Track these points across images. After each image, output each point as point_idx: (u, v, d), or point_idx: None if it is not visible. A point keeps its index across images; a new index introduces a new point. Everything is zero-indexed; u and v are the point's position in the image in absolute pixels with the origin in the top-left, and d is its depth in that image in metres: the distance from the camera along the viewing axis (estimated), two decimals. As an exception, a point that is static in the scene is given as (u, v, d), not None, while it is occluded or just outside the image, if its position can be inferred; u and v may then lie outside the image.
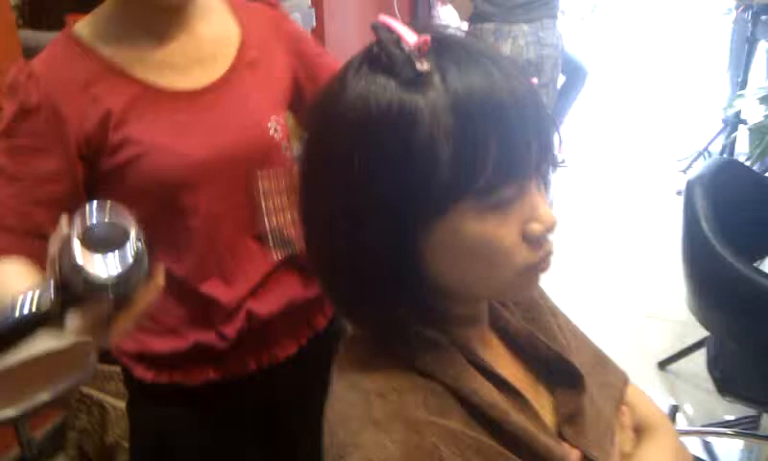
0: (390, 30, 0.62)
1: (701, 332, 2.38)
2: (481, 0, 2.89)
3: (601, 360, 0.82)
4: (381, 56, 0.61)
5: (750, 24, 3.48)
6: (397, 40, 0.61)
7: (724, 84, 4.11)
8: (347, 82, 0.62)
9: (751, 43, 3.51)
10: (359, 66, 0.62)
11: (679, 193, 3.90)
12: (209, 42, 1.04)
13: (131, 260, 0.68)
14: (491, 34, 2.85)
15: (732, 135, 3.59)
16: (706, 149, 3.96)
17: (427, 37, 0.60)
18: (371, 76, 0.61)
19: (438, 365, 0.65)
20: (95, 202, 0.72)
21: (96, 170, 0.97)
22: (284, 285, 1.09)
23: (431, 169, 0.58)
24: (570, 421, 0.73)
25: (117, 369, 1.84)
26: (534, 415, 0.69)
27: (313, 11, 2.43)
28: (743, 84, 3.50)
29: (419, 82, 0.59)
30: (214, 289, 1.04)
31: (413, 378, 0.65)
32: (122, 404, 1.86)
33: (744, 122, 3.54)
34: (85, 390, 1.95)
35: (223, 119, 1.01)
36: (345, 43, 3.17)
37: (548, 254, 0.65)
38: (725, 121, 3.81)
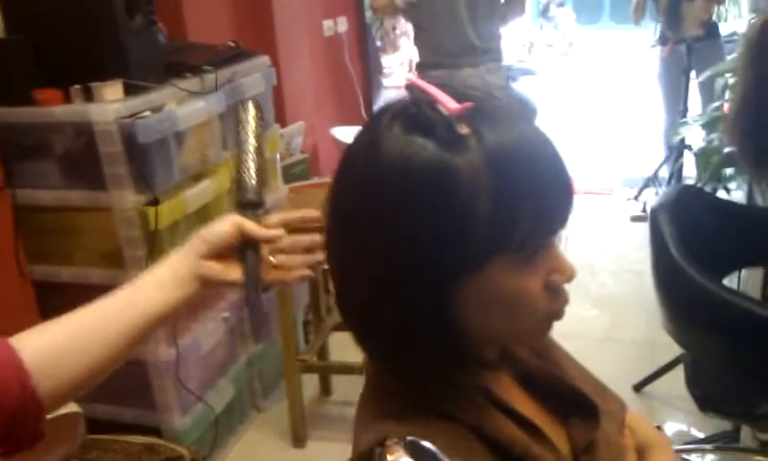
0: (423, 91, 0.64)
1: (668, 353, 2.45)
2: (426, 49, 2.97)
3: (600, 388, 0.85)
4: (419, 117, 0.62)
5: (685, 56, 3.67)
6: (432, 102, 0.63)
7: (659, 114, 4.28)
8: (379, 139, 0.63)
9: (687, 73, 3.69)
10: (390, 124, 0.63)
11: (633, 219, 4.04)
12: None
13: None
14: (437, 80, 2.90)
15: (680, 161, 3.74)
16: (654, 176, 4.11)
17: (470, 104, 0.62)
18: (406, 135, 0.61)
19: (460, 407, 0.67)
20: None
21: None
22: None
23: (470, 226, 0.60)
24: (586, 450, 0.75)
25: (99, 437, 1.78)
26: (552, 448, 0.71)
27: (273, 70, 2.47)
28: (684, 113, 3.67)
29: (457, 143, 0.60)
30: None
31: (436, 422, 0.66)
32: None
33: (689, 148, 3.70)
34: None
35: None
36: (301, 97, 3.28)
37: (565, 303, 0.68)
38: (669, 148, 3.97)
